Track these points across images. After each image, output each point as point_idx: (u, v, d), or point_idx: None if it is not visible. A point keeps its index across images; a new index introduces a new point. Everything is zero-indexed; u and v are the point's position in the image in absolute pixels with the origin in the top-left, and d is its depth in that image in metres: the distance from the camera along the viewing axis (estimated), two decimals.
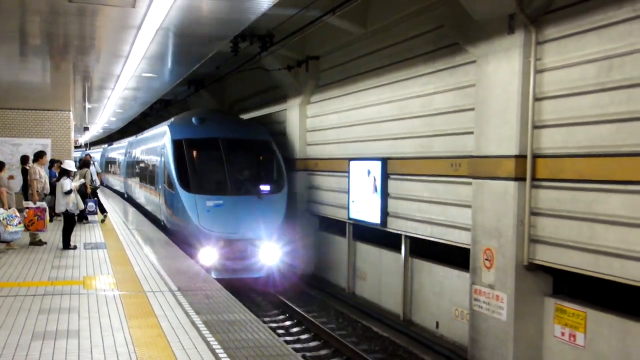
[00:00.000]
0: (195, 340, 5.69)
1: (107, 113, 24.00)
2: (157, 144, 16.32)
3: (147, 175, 18.50)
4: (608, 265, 6.89)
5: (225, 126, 15.10)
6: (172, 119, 16.51)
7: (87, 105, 18.86)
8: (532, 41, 7.84)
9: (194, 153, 14.09)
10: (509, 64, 8.13)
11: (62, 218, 11.74)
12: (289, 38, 12.54)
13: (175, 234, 13.68)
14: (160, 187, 15.17)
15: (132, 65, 11.48)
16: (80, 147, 44.23)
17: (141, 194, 20.07)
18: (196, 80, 20.36)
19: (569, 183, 7.43)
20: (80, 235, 12.86)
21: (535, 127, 7.90)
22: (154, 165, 16.79)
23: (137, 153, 21.76)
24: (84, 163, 16.10)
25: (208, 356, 5.27)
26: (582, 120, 7.26)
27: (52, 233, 12.69)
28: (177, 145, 14.01)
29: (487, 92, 8.56)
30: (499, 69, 8.32)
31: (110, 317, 6.52)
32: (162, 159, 14.88)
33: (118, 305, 7.04)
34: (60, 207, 11.31)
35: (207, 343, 5.63)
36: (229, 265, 12.53)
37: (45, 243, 11.70)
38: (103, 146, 42.69)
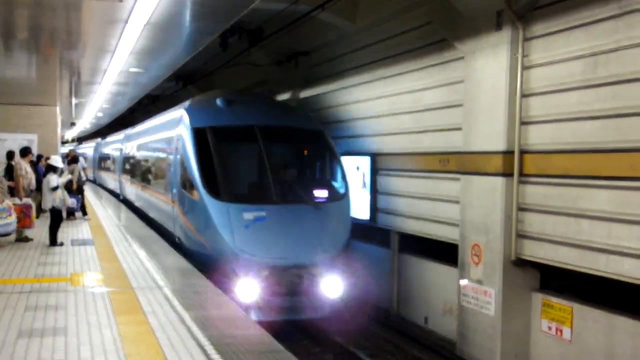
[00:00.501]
0: (184, 337, 5.67)
1: (94, 108, 23.82)
2: (168, 135, 12.63)
3: (152, 174, 14.91)
4: (594, 260, 6.96)
5: (262, 110, 11.38)
6: (189, 102, 12.55)
7: (74, 101, 18.70)
8: (519, 38, 7.88)
9: (224, 146, 10.39)
10: (497, 60, 8.16)
11: (48, 214, 11.64)
12: (278, 33, 12.50)
13: (199, 258, 9.98)
14: (174, 191, 11.42)
15: (119, 60, 11.40)
16: (66, 142, 43.68)
17: (144, 198, 16.22)
18: (184, 76, 20.25)
19: (555, 179, 7.49)
20: (67, 231, 12.76)
21: (522, 123, 7.95)
22: (162, 162, 13.34)
23: (138, 147, 18.23)
24: (73, 159, 15.95)
25: (197, 353, 5.26)
26: (569, 116, 7.31)
27: (39, 230, 12.58)
28: (199, 135, 10.40)
29: (475, 89, 8.59)
30: (486, 66, 8.35)
31: (98, 314, 6.48)
32: (177, 154, 11.25)
33: (106, 302, 7.00)
34: (46, 204, 11.22)
35: (196, 339, 5.62)
36: (275, 303, 9.03)
37: (32, 240, 11.60)
38: (96, 140, 38.44)
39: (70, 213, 14.72)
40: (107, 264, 9.40)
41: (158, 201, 13.70)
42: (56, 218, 11.22)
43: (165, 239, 11.98)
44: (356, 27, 11.90)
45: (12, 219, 10.53)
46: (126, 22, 8.12)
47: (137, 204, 17.66)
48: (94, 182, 33.97)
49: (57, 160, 11.82)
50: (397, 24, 10.70)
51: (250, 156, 10.58)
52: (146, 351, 5.26)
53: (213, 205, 9.46)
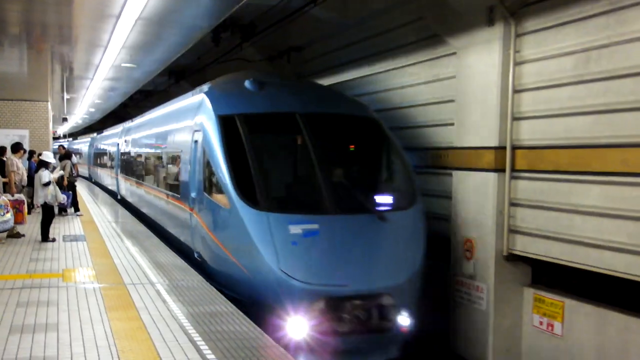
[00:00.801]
0: (177, 333, 5.67)
1: (86, 104, 23.72)
2: (182, 125, 10.47)
3: (160, 174, 12.66)
4: (585, 255, 7.00)
5: (302, 94, 9.39)
6: (208, 84, 10.24)
7: (66, 96, 18.60)
8: (511, 33, 7.90)
9: (260, 138, 8.33)
10: (489, 56, 8.18)
11: (40, 210, 11.59)
12: (270, 29, 12.47)
13: (228, 281, 7.98)
14: (193, 195, 9.19)
15: (111, 55, 11.36)
16: (58, 138, 43.33)
17: (148, 202, 13.99)
18: (177, 71, 20.18)
19: (547, 174, 7.52)
20: (59, 227, 12.71)
21: (514, 119, 7.98)
22: (174, 159, 11.17)
23: (141, 141, 15.92)
24: (65, 154, 15.87)
25: (189, 348, 5.26)
26: (561, 112, 7.34)
27: (31, 225, 12.52)
28: (227, 124, 8.31)
29: (467, 84, 8.61)
30: (479, 61, 8.37)
31: (90, 309, 6.47)
32: (196, 149, 9.05)
33: (98, 297, 6.99)
34: (38, 199, 11.17)
35: (188, 335, 5.62)
36: (333, 344, 6.98)
37: (24, 235, 11.55)
38: (92, 135, 36.43)
39: (62, 209, 14.66)
40: (99, 259, 9.37)
41: (168, 206, 11.37)
42: (48, 214, 11.18)
43: (181, 254, 9.79)
44: (348, 22, 11.88)
45: (10, 215, 10.49)
46: (118, 17, 8.08)
47: (140, 208, 15.43)
48: (89, 179, 32.99)
49: (49, 156, 11.76)
50: (388, 19, 10.70)
51: (293, 151, 8.53)
52: (138, 347, 5.26)
53: (249, 215, 7.39)
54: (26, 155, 15.10)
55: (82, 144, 40.35)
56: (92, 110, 27.78)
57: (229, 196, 7.72)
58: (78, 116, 31.88)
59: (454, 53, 8.97)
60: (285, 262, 7.01)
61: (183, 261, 9.37)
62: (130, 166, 17.46)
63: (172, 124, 11.72)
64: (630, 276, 6.48)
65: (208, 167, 8.47)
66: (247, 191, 7.59)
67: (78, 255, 9.72)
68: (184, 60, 15.23)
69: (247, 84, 9.13)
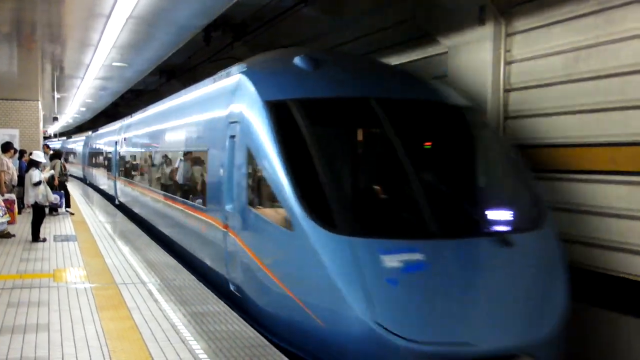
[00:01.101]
0: (169, 332, 5.67)
1: (76, 103, 23.62)
2: (210, 115, 8.37)
3: (172, 178, 10.61)
4: (569, 252, 7.05)
5: (371, 75, 7.32)
6: (243, 64, 7.61)
7: (56, 95, 18.53)
8: (502, 33, 7.94)
9: (328, 133, 6.39)
10: (480, 55, 8.22)
11: (31, 210, 11.53)
12: (262, 28, 12.47)
13: (286, 331, 5.79)
14: (229, 209, 6.94)
15: (102, 54, 11.32)
16: (49, 137, 43.05)
17: (156, 211, 12.03)
18: (168, 70, 20.15)
19: (536, 173, 7.56)
20: (50, 227, 12.65)
21: (506, 118, 8.02)
22: (197, 160, 9.08)
23: (145, 138, 14.18)
24: (54, 154, 15.80)
25: (181, 348, 5.25)
26: (550, 111, 7.39)
27: (21, 225, 12.46)
28: (279, 114, 6.23)
29: (459, 83, 8.64)
30: (470, 60, 8.41)
31: (81, 309, 6.44)
32: (235, 146, 6.87)
33: (89, 297, 6.96)
34: (29, 199, 11.12)
35: (180, 334, 5.61)
36: None
37: (14, 235, 11.48)
38: (87, 134, 33.62)
39: (53, 209, 14.60)
40: (90, 259, 9.34)
41: (188, 219, 9.11)
42: (39, 214, 11.13)
43: (205, 282, 7.87)
44: (340, 21, 11.89)
45: (7, 217, 10.45)
46: (109, 16, 8.06)
47: (143, 214, 13.54)
48: (84, 180, 31.00)
49: (39, 156, 11.70)
50: (381, 18, 10.72)
51: (374, 151, 6.55)
52: (130, 347, 5.25)
53: (324, 240, 5.26)
54: (16, 154, 15.02)
55: (76, 143, 38.59)
56: (83, 109, 27.67)
57: (290, 213, 5.50)
58: (69, 115, 31.73)
59: (446, 52, 9.00)
60: (381, 309, 4.86)
61: (175, 260, 9.34)
62: (132, 168, 15.59)
63: (193, 116, 9.59)
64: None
65: (253, 170, 6.40)
66: (317, 206, 5.41)
67: (69, 255, 9.68)
68: (175, 59, 15.20)
69: (297, 61, 6.99)
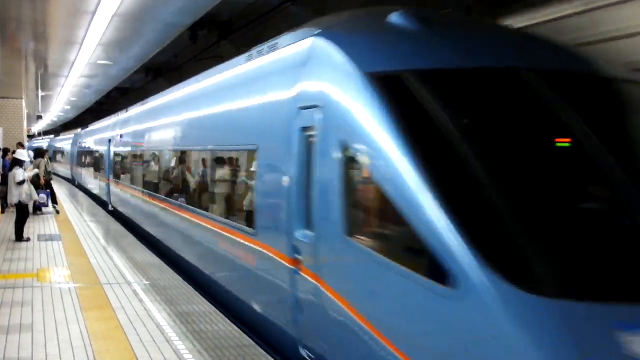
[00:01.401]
0: (154, 333, 5.63)
1: (61, 101, 23.44)
2: (263, 100, 6.04)
3: (197, 187, 8.41)
4: None
5: (504, 37, 5.28)
6: (317, 25, 5.39)
7: (41, 93, 18.36)
8: None
9: (482, 124, 3.97)
10: None
11: (15, 209, 11.41)
12: (249, 26, 12.44)
13: None
14: (301, 237, 4.72)
15: (87, 52, 11.23)
16: (34, 136, 42.64)
17: (169, 226, 9.62)
18: (154, 69, 20.05)
19: None
20: (34, 227, 12.53)
21: None
22: (236, 163, 6.93)
23: (150, 135, 11.53)
24: (38, 153, 15.68)
25: (166, 348, 5.22)
26: None
27: (5, 225, 12.33)
28: (394, 93, 4.02)
29: None
30: None
31: (66, 310, 6.39)
32: (317, 144, 4.58)
33: (73, 297, 6.91)
34: (13, 198, 11.00)
35: (166, 335, 5.58)
36: None
37: None
38: (75, 131, 30.44)
39: (37, 208, 14.47)
40: (74, 259, 9.26)
41: (225, 246, 6.70)
42: (22, 213, 11.02)
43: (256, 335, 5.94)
44: None
45: None
46: (94, 13, 8.00)
47: (152, 230, 11.04)
48: (72, 182, 28.89)
49: (23, 154, 11.59)
50: None
51: (562, 150, 3.97)
52: (115, 347, 5.21)
53: (522, 309, 3.00)
54: (0, 153, 14.87)
55: (64, 142, 36.40)
56: (68, 107, 27.44)
57: (447, 256, 3.26)
58: (53, 114, 31.47)
59: None
60: None
61: (160, 260, 9.28)
62: (131, 170, 13.32)
63: (227, 103, 7.33)
64: None
65: (355, 180, 4.25)
66: (498, 245, 3.28)
67: (53, 255, 9.60)
68: (161, 57, 15.13)
69: (396, 19, 4.94)
